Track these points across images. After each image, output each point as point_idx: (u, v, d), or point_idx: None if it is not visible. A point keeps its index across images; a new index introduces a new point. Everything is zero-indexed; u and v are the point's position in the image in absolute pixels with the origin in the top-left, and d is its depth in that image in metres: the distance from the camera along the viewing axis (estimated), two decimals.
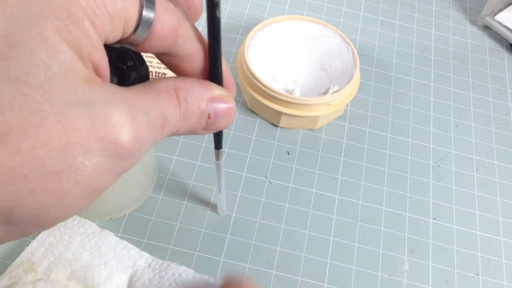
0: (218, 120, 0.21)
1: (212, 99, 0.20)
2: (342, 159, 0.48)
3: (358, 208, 0.45)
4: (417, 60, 0.57)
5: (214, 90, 0.21)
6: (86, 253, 0.36)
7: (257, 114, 0.49)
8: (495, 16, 0.60)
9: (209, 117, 0.20)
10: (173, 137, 0.46)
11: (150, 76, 0.47)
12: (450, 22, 0.62)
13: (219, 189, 0.38)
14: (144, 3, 0.17)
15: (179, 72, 0.21)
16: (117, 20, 0.16)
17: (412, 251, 0.43)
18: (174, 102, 0.19)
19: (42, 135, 0.14)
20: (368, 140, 0.49)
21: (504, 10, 0.61)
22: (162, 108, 0.18)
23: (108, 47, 0.34)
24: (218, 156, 0.33)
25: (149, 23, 0.17)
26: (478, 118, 0.53)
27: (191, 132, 0.20)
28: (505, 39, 0.61)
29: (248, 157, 0.46)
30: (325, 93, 0.48)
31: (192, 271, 0.37)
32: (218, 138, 0.31)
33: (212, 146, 0.46)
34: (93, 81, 0.16)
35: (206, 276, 0.37)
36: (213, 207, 0.43)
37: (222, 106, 0.21)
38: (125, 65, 0.33)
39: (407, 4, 0.63)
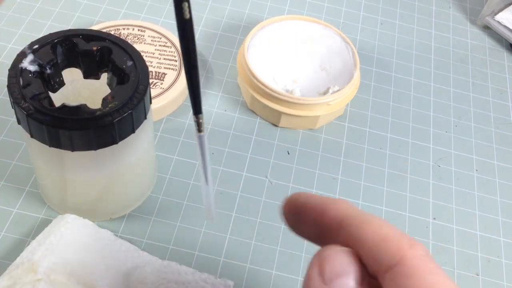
0: None
1: None
2: (342, 159, 0.48)
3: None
4: (417, 60, 0.58)
5: None
6: (86, 253, 0.36)
7: (257, 114, 0.49)
8: (495, 16, 0.60)
9: None
10: (173, 136, 0.46)
11: (150, 76, 0.48)
12: (450, 22, 0.62)
13: (205, 178, 0.27)
14: None
15: None
16: None
17: None
18: None
19: None
20: (368, 140, 0.49)
21: (504, 10, 0.61)
22: None
23: (107, 47, 0.34)
24: (199, 126, 0.25)
25: None
26: (478, 118, 0.53)
27: None
28: (505, 39, 0.61)
29: (248, 157, 0.46)
30: (325, 93, 0.48)
31: (192, 270, 0.37)
32: (194, 97, 0.23)
33: (212, 145, 0.47)
34: None
35: (206, 275, 0.37)
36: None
37: None
38: (125, 65, 0.33)
39: (407, 4, 0.63)
